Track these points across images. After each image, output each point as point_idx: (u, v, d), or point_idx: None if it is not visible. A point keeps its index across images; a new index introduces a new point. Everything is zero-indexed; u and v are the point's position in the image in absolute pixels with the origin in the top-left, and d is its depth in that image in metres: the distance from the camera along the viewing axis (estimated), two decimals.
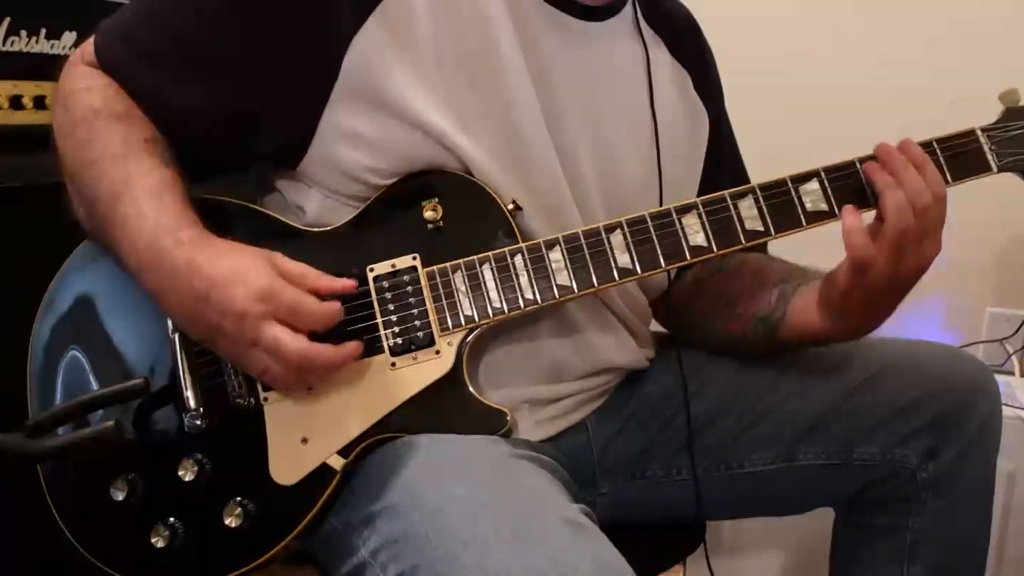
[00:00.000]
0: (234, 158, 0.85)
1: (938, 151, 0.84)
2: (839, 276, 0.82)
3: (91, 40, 0.82)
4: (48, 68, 1.00)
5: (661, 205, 0.91)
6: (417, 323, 0.79)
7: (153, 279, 0.73)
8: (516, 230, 0.81)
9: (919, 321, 1.62)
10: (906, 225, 0.77)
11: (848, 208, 0.81)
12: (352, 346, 0.76)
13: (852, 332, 0.87)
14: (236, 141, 0.81)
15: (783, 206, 0.83)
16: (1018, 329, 1.58)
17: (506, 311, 0.80)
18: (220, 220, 0.79)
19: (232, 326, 0.70)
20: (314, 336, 0.72)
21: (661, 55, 0.96)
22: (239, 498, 0.77)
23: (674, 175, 0.95)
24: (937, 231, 0.80)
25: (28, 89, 1.05)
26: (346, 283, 0.76)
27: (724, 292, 0.98)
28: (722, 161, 1.02)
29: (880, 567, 0.96)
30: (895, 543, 0.95)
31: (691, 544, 1.05)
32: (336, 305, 0.73)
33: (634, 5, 0.94)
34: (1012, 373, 1.57)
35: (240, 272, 0.71)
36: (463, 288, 0.80)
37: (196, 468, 0.77)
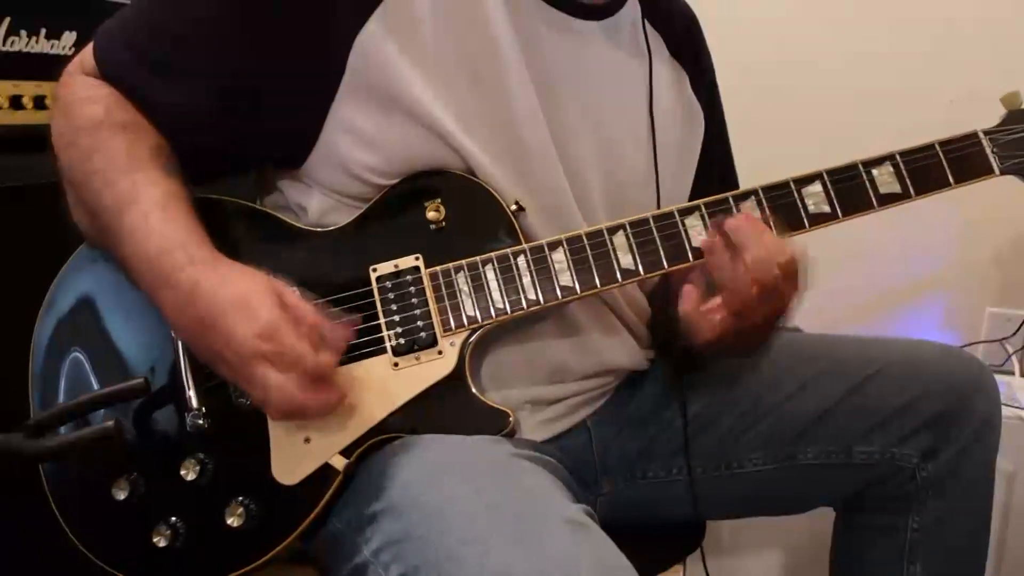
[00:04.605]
0: (239, 159, 0.85)
1: (940, 153, 0.84)
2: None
3: (89, 48, 0.82)
4: (48, 68, 1.00)
5: (659, 205, 0.92)
6: (420, 323, 0.79)
7: (158, 295, 0.73)
8: (519, 231, 0.81)
9: (919, 321, 1.62)
10: (740, 301, 0.78)
11: (687, 290, 0.81)
12: (336, 397, 0.74)
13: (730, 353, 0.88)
14: (240, 142, 0.81)
15: (785, 208, 0.83)
16: (1018, 329, 1.58)
17: (509, 312, 0.80)
18: (222, 220, 0.79)
19: (231, 358, 0.70)
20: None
21: (660, 54, 0.96)
22: (241, 498, 0.77)
23: (671, 174, 0.95)
24: (790, 281, 0.79)
25: (28, 89, 1.04)
26: (347, 335, 0.74)
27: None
28: (714, 161, 1.03)
29: (880, 567, 0.97)
30: (895, 543, 0.95)
31: (691, 544, 1.05)
32: (332, 359, 0.72)
33: (636, 4, 0.94)
34: (1012, 373, 1.57)
35: (244, 304, 0.70)
36: (466, 288, 0.80)
37: (198, 468, 0.77)
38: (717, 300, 0.79)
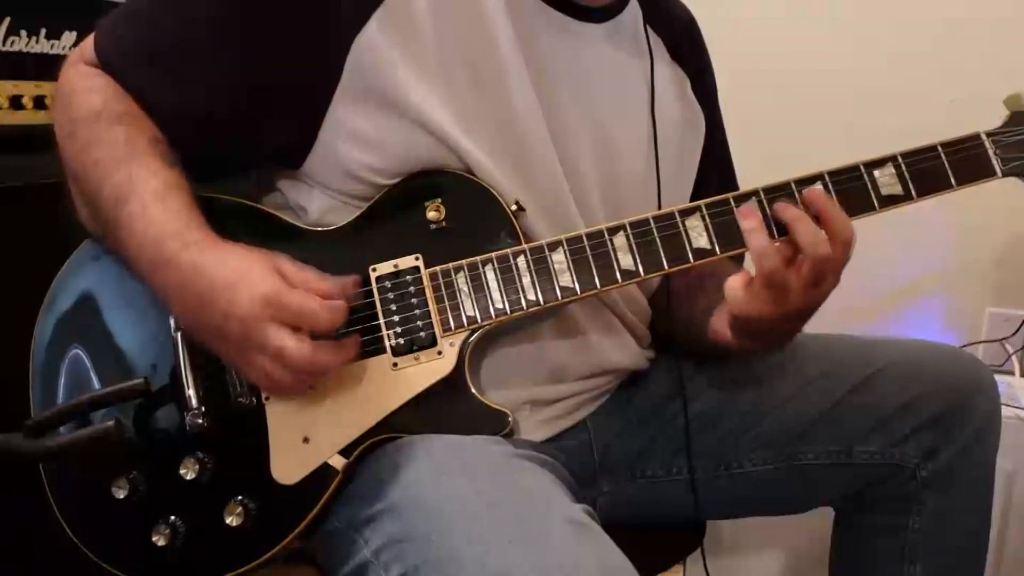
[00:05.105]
0: (238, 158, 0.85)
1: (942, 155, 0.84)
2: (724, 316, 0.84)
3: (90, 39, 0.82)
4: (48, 68, 1.01)
5: (660, 207, 0.92)
6: (419, 323, 0.79)
7: (158, 280, 0.73)
8: (519, 231, 0.81)
9: (919, 321, 1.62)
10: (772, 271, 0.77)
11: (739, 274, 0.81)
12: (352, 342, 0.75)
13: (749, 351, 0.88)
14: (238, 141, 0.81)
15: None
16: (1018, 329, 1.58)
17: (508, 312, 0.80)
18: (221, 219, 0.78)
19: (236, 330, 0.70)
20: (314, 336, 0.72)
21: (661, 56, 0.96)
22: (240, 497, 0.77)
23: (671, 176, 0.95)
24: (830, 273, 0.78)
25: (28, 89, 1.05)
26: (347, 281, 0.75)
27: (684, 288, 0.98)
28: (714, 163, 1.03)
29: (880, 567, 0.97)
30: (895, 543, 0.95)
31: (691, 544, 1.05)
32: (341, 303, 0.72)
33: (637, 7, 0.94)
34: (1012, 373, 1.57)
35: (244, 276, 0.70)
36: (465, 289, 0.80)
37: (197, 467, 0.77)
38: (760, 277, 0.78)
